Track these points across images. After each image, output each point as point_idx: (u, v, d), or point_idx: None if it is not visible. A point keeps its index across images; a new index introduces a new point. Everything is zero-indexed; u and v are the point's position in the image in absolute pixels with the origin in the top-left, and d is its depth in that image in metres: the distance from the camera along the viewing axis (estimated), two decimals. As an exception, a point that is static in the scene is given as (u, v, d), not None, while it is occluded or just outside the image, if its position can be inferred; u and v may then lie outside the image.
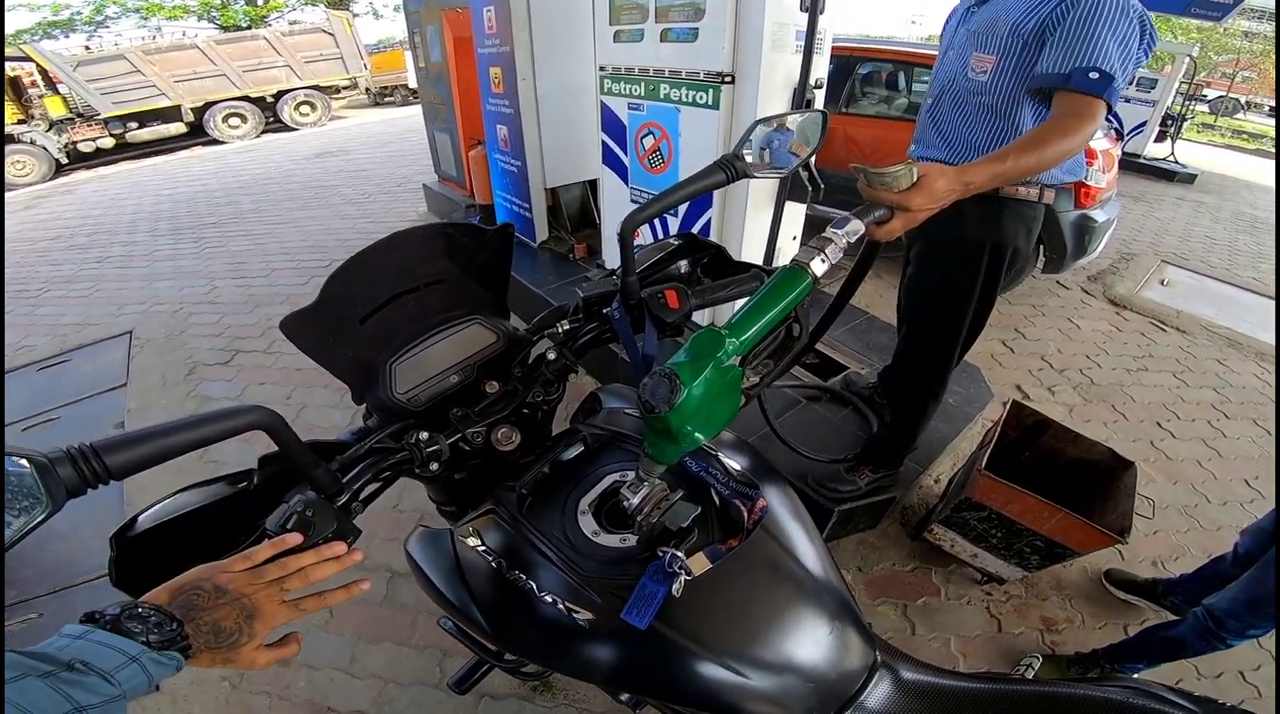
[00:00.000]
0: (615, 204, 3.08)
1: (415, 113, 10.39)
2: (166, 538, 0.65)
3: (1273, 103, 20.73)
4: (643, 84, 2.61)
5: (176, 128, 11.55)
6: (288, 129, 12.55)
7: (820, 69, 2.32)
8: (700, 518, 0.81)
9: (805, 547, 0.85)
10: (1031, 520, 1.78)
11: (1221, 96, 19.06)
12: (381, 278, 0.86)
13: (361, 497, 0.74)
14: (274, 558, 0.63)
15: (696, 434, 0.65)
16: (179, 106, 11.34)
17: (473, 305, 0.96)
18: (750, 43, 2.17)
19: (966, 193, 0.95)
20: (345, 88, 13.64)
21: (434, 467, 0.82)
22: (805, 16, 2.09)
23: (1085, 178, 3.35)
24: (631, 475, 0.78)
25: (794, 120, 0.92)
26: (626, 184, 2.94)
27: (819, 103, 2.37)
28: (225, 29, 15.79)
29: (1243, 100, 20.48)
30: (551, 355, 0.94)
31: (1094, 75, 1.23)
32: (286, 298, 4.23)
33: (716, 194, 2.53)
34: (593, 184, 3.84)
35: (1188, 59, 8.21)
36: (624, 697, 1.13)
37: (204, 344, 3.70)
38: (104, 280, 4.98)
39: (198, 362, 3.51)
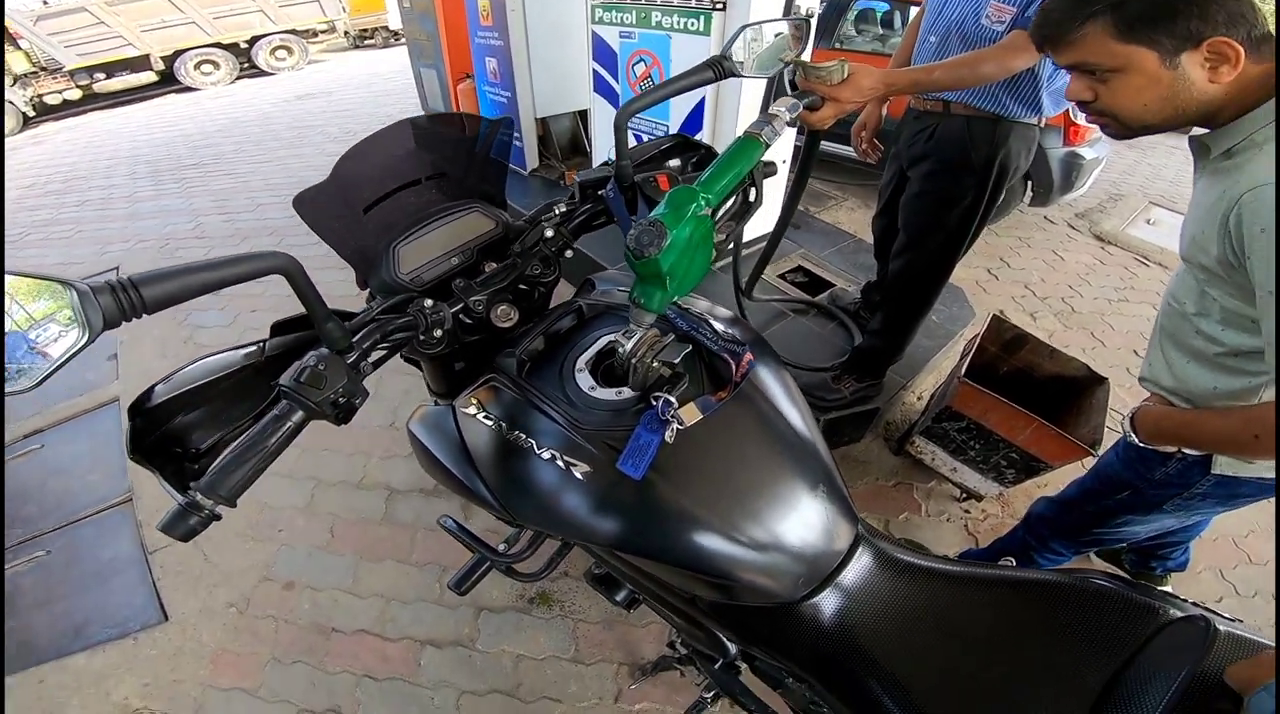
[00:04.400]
0: (607, 131, 3.06)
1: (397, 54, 10.02)
2: (182, 408, 0.66)
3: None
4: (634, 12, 2.60)
5: (146, 77, 11.04)
6: (264, 74, 12.10)
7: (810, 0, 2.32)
8: (691, 369, 0.85)
9: (790, 410, 0.87)
10: (1008, 431, 1.83)
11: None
12: (386, 169, 0.88)
13: (371, 359, 0.75)
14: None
15: (682, 280, 0.73)
16: (147, 56, 10.80)
17: (472, 196, 0.99)
18: (740, -30, 2.16)
19: (888, 93, 1.09)
20: (323, 31, 13.14)
21: (438, 334, 0.83)
22: (799, -54, 2.09)
23: (1074, 116, 3.35)
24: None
25: (779, 25, 0.97)
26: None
27: (810, 34, 2.36)
28: (194, -25, 15.06)
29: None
30: (549, 232, 0.97)
31: None
32: (274, 230, 4.19)
33: (708, 112, 2.53)
34: (583, 115, 3.81)
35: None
36: (619, 596, 1.17)
37: (192, 278, 3.67)
38: (84, 223, 4.88)
39: (187, 293, 3.49)
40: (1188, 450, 1.10)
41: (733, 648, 0.99)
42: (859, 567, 0.84)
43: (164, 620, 1.88)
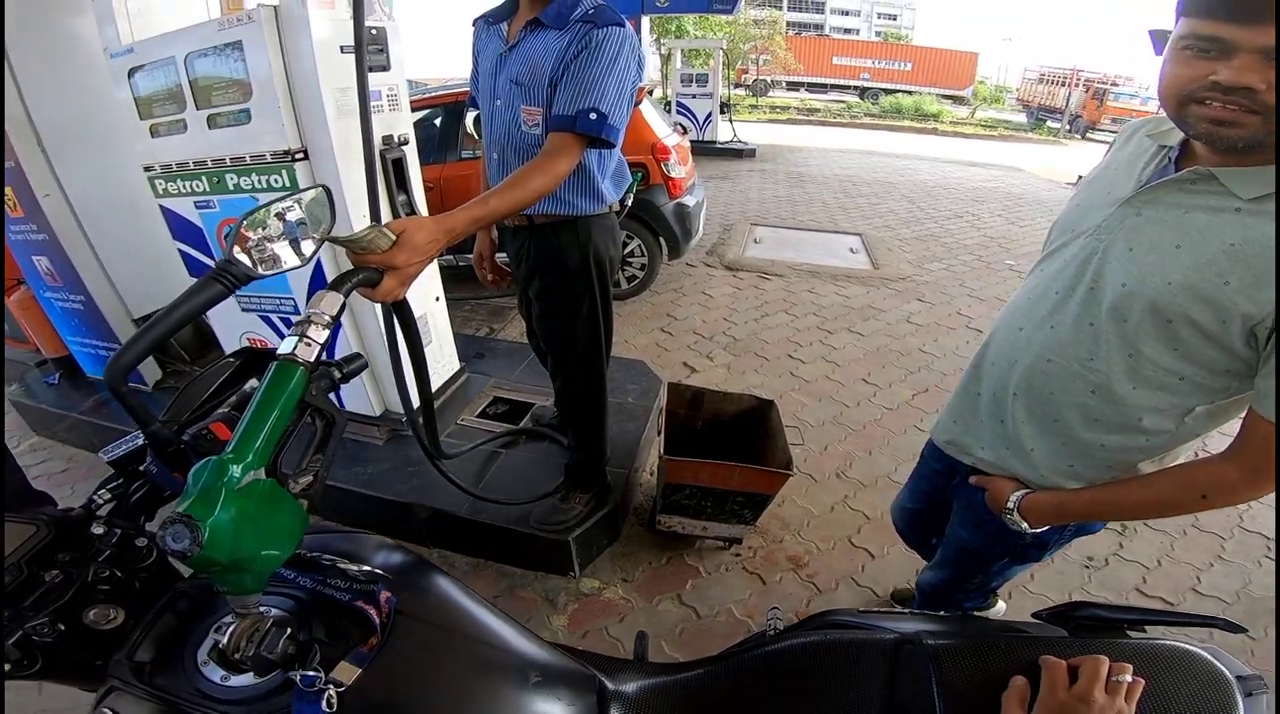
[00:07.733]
0: (226, 319, 2.64)
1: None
2: None
3: (789, 79, 27.06)
4: (204, 178, 2.26)
5: None
6: None
7: (400, 126, 2.29)
8: (333, 625, 0.79)
9: (468, 616, 0.86)
10: (723, 482, 1.97)
11: (755, 80, 24.42)
12: None
13: None
14: None
15: (265, 551, 0.63)
16: None
17: None
18: (313, 113, 2.01)
19: (451, 240, 0.99)
20: None
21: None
22: (380, 76, 2.06)
23: (668, 172, 3.96)
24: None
25: (290, 203, 0.85)
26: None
27: (412, 159, 2.33)
28: None
29: (769, 80, 26.14)
30: (99, 530, 0.79)
31: (593, 116, 1.37)
32: None
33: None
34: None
35: (720, 52, 10.36)
36: None
37: None
38: None
39: None
40: None
41: None
42: None
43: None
